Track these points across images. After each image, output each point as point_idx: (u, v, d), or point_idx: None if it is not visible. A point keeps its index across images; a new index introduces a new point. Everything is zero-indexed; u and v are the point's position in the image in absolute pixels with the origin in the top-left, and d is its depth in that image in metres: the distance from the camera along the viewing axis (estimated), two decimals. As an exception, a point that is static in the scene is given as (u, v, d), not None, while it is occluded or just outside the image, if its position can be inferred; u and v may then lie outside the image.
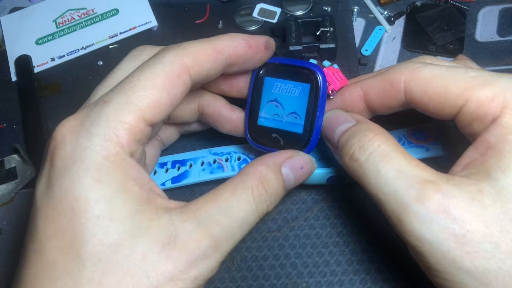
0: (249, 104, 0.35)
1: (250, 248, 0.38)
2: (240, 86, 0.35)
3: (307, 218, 0.38)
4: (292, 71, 0.33)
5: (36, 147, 0.44)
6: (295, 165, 0.31)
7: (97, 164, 0.24)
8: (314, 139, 0.33)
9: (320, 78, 0.32)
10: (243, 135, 0.36)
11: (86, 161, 0.24)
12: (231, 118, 0.36)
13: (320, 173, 0.35)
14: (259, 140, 0.35)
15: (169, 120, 0.36)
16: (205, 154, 0.39)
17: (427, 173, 0.26)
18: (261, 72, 0.34)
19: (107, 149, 0.24)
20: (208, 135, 0.41)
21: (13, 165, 0.44)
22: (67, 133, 0.25)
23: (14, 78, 0.50)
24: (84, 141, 0.24)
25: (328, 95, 0.33)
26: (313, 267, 0.36)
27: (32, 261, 0.23)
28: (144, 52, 0.30)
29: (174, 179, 0.38)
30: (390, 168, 0.26)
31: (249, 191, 0.27)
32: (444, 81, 0.27)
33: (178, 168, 0.39)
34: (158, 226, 0.24)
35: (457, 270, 0.23)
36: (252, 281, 0.36)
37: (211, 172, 0.38)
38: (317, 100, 0.32)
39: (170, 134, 0.39)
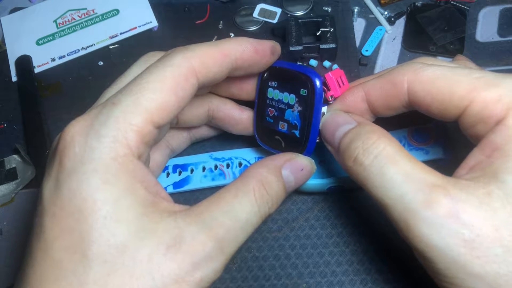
0: (256, 105, 0.36)
1: (251, 249, 0.38)
2: (249, 89, 0.36)
3: (308, 218, 0.39)
4: (291, 76, 0.33)
5: (37, 147, 0.44)
6: (295, 167, 0.31)
7: (105, 165, 0.24)
8: (311, 143, 0.33)
9: (315, 84, 0.32)
10: (253, 134, 0.37)
11: (95, 162, 0.24)
12: (242, 119, 0.37)
13: (320, 183, 0.36)
14: (265, 141, 0.36)
15: (178, 125, 0.37)
16: (206, 159, 0.39)
17: (433, 176, 0.25)
18: (265, 75, 0.35)
19: (116, 151, 0.24)
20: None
21: (14, 165, 0.44)
22: (76, 134, 0.25)
23: (14, 79, 0.50)
24: (93, 142, 0.24)
25: (327, 100, 0.33)
26: (313, 267, 0.36)
27: (38, 260, 0.23)
28: (155, 58, 0.30)
29: (176, 185, 0.38)
30: (396, 171, 0.26)
31: (251, 193, 0.27)
32: (448, 82, 0.27)
33: (179, 173, 0.39)
34: (163, 228, 0.24)
35: (467, 275, 0.23)
36: (252, 282, 0.36)
37: (212, 179, 0.38)
38: (312, 105, 0.32)
39: (181, 142, 0.39)
